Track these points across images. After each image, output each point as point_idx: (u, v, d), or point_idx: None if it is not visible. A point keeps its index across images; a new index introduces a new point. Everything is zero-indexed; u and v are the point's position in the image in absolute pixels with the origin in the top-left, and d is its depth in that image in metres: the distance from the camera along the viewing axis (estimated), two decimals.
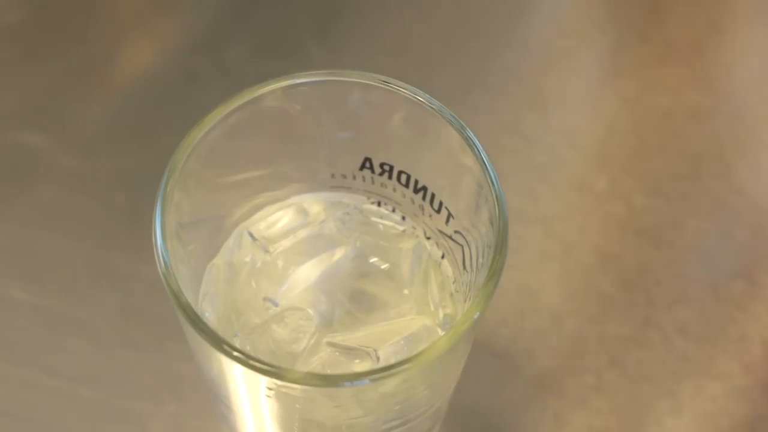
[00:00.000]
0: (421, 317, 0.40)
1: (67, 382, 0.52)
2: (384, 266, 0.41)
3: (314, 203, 0.43)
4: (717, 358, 0.54)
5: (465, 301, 0.40)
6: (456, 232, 0.40)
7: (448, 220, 0.41)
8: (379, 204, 0.43)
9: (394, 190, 0.42)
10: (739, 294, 0.56)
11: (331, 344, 0.39)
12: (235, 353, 0.32)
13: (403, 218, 0.43)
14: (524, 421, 0.52)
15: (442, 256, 0.42)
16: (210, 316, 0.40)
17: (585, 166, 0.60)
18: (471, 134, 0.38)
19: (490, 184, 0.37)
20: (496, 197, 0.36)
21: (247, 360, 0.32)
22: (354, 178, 0.42)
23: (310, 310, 0.40)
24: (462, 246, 0.40)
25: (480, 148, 0.37)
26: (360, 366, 0.38)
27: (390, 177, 0.42)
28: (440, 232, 0.41)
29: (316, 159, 0.42)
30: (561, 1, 0.66)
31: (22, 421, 0.51)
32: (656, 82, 0.63)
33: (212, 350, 0.33)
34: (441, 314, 0.40)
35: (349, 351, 0.39)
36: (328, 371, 0.39)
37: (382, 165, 0.41)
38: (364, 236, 0.42)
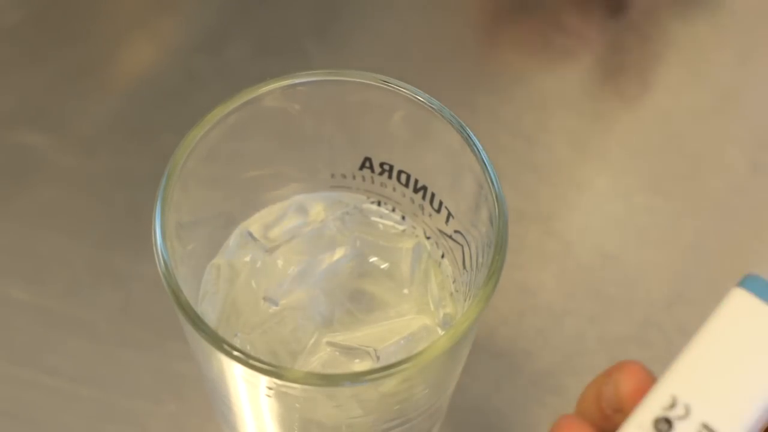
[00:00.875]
0: (421, 317, 0.40)
1: (67, 381, 0.52)
2: (384, 266, 0.41)
3: (314, 203, 0.43)
4: None
5: (465, 300, 0.40)
6: (456, 231, 0.40)
7: (448, 220, 0.41)
8: (379, 203, 0.43)
9: (394, 189, 0.42)
10: None
11: (331, 344, 0.39)
12: (235, 353, 0.32)
13: (403, 218, 0.43)
14: (524, 420, 0.52)
15: (442, 256, 0.42)
16: (210, 315, 0.40)
17: (585, 165, 0.60)
18: (471, 134, 0.38)
19: (490, 183, 0.37)
20: (496, 197, 0.36)
21: (247, 359, 0.32)
22: (354, 177, 0.43)
23: (310, 310, 0.40)
24: (462, 245, 0.40)
25: (480, 147, 0.37)
26: (360, 366, 0.38)
27: (390, 176, 0.42)
28: (440, 231, 0.41)
29: (315, 158, 0.42)
30: (561, 0, 0.66)
31: (22, 420, 0.51)
32: (656, 82, 0.63)
33: (212, 350, 0.33)
34: (441, 314, 0.40)
35: (349, 351, 0.39)
36: (328, 371, 0.39)
37: (381, 164, 0.41)
38: (364, 236, 0.42)
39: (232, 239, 0.42)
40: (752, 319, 0.30)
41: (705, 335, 0.31)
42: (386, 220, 0.43)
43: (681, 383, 0.30)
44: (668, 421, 0.29)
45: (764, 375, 0.30)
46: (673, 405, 0.30)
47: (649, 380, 0.31)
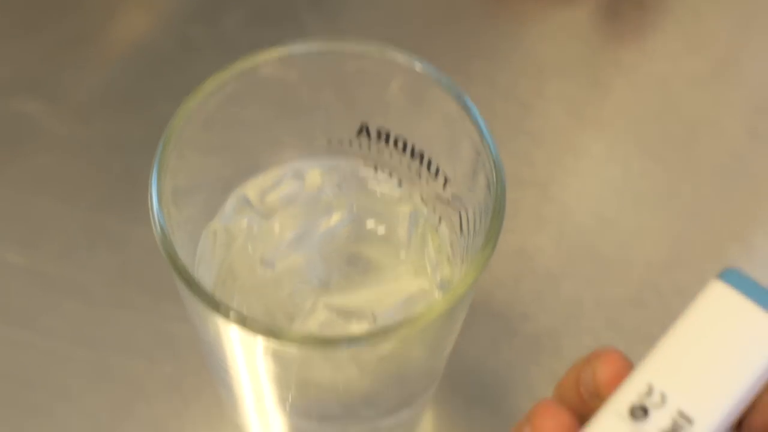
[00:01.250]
0: (418, 280, 0.40)
1: (63, 343, 0.52)
2: (381, 231, 0.41)
3: (311, 169, 0.43)
4: None
5: (462, 264, 0.40)
6: (453, 197, 0.40)
7: (445, 186, 0.41)
8: (375, 169, 0.43)
9: (391, 156, 0.42)
10: (735, 257, 0.56)
11: (328, 307, 0.39)
12: (233, 315, 0.32)
13: (400, 183, 0.43)
14: (521, 381, 0.52)
15: (439, 221, 0.42)
16: (206, 280, 0.40)
17: (582, 131, 0.60)
18: (469, 102, 0.38)
19: (488, 151, 0.37)
20: (494, 164, 0.36)
21: (244, 321, 0.32)
22: (350, 144, 0.42)
23: (307, 274, 0.40)
24: (459, 211, 0.40)
25: (478, 115, 0.37)
26: (357, 328, 0.39)
27: (387, 143, 0.42)
28: (437, 197, 0.41)
29: (312, 125, 0.42)
30: None
31: (18, 382, 0.51)
32: (654, 49, 0.63)
33: (209, 312, 0.33)
34: (438, 277, 0.40)
35: (347, 313, 0.39)
36: (326, 333, 0.39)
37: (378, 131, 0.41)
38: (361, 201, 0.42)
39: (229, 205, 0.42)
40: (730, 311, 0.31)
41: (683, 325, 0.31)
42: (383, 185, 0.43)
43: (658, 372, 0.30)
44: (644, 409, 0.30)
45: (741, 365, 0.30)
46: (649, 393, 0.30)
47: (626, 368, 0.31)
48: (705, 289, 0.32)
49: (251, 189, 0.42)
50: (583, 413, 0.32)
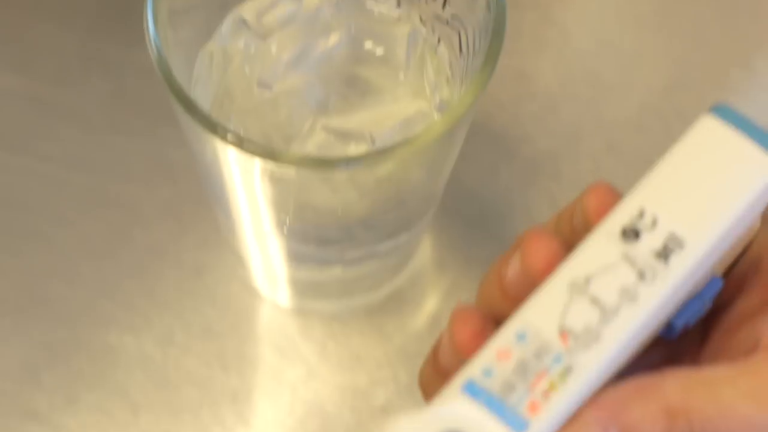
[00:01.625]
0: (417, 101, 0.40)
1: (59, 168, 0.52)
2: (379, 52, 0.41)
3: None
4: None
5: (461, 85, 0.39)
6: (452, 17, 0.40)
7: (444, 5, 0.40)
8: None
9: None
10: (737, 81, 0.55)
11: (326, 128, 0.39)
12: (230, 136, 0.32)
13: (399, 3, 0.42)
14: (520, 204, 0.52)
15: (438, 42, 0.41)
16: (203, 102, 0.40)
17: None
18: None
19: None
20: None
21: (241, 142, 0.32)
22: None
23: (304, 95, 0.39)
24: (458, 31, 0.40)
25: None
26: (356, 149, 0.38)
27: None
28: (436, 17, 0.41)
29: None
30: None
31: (15, 207, 0.52)
32: None
33: (206, 134, 0.33)
34: (437, 98, 0.40)
35: (345, 135, 0.39)
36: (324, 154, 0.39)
37: None
38: (359, 21, 0.41)
39: (225, 25, 0.41)
40: (721, 144, 0.31)
41: (674, 156, 0.32)
42: (381, 5, 0.42)
43: (650, 197, 0.31)
44: (636, 231, 0.30)
45: (731, 194, 0.31)
46: (641, 216, 0.30)
47: (615, 199, 0.32)
48: (696, 122, 0.32)
49: (248, 9, 0.41)
50: (574, 245, 0.32)
